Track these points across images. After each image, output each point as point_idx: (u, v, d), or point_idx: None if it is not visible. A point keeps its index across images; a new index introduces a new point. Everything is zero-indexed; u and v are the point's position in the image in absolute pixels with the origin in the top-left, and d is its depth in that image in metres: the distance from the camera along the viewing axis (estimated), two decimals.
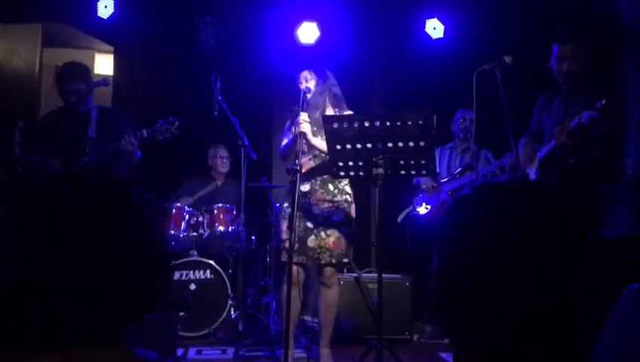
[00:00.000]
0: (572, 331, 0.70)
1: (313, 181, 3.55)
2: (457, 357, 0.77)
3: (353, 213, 3.59)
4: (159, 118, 3.78)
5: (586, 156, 3.11)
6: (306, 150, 3.52)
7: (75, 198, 0.93)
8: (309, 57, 5.12)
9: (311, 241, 3.49)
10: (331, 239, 3.49)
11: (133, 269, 0.92)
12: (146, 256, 0.95)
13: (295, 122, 3.41)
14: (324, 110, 3.58)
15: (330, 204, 3.52)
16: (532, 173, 3.31)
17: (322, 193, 3.52)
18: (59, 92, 3.90)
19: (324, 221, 3.50)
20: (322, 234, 3.49)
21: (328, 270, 3.55)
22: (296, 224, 3.31)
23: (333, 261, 3.51)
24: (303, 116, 3.39)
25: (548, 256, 0.70)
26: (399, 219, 4.56)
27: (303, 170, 3.53)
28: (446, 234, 0.77)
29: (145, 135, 3.72)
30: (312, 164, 3.56)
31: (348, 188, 3.60)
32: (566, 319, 0.70)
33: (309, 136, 3.43)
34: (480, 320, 0.72)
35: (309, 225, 3.51)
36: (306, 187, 3.54)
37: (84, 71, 3.94)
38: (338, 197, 3.53)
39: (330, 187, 3.54)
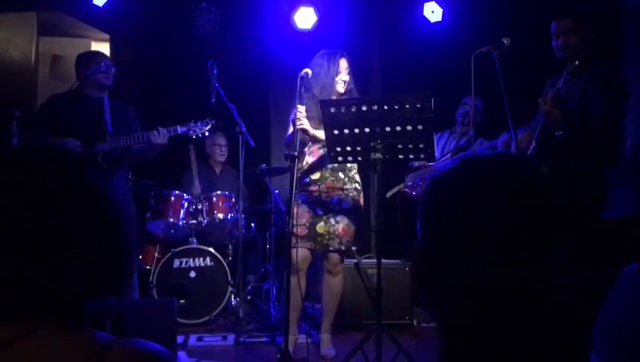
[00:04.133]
0: (547, 310, 0.69)
1: (323, 169, 3.53)
2: (440, 329, 0.77)
3: (362, 201, 3.59)
4: (192, 118, 3.89)
5: (576, 128, 3.06)
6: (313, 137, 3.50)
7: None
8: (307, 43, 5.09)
9: (320, 227, 3.48)
10: (340, 226, 3.49)
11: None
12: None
13: (293, 114, 3.38)
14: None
15: (340, 192, 3.50)
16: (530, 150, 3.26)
17: (332, 181, 3.51)
18: (85, 73, 3.88)
19: (334, 208, 3.50)
20: (331, 220, 3.49)
21: (335, 257, 3.55)
22: (297, 211, 3.31)
23: (342, 248, 3.51)
24: (300, 110, 3.35)
25: (524, 230, 0.70)
26: (389, 195, 4.54)
27: (313, 158, 3.52)
28: (427, 208, 0.77)
29: (179, 131, 3.78)
30: (321, 152, 3.53)
31: (357, 177, 3.59)
32: (540, 297, 0.69)
33: (310, 131, 3.40)
34: (456, 295, 0.72)
35: (319, 211, 3.50)
36: (316, 175, 3.53)
37: (102, 56, 4.01)
38: (348, 185, 3.52)
39: (341, 175, 3.52)
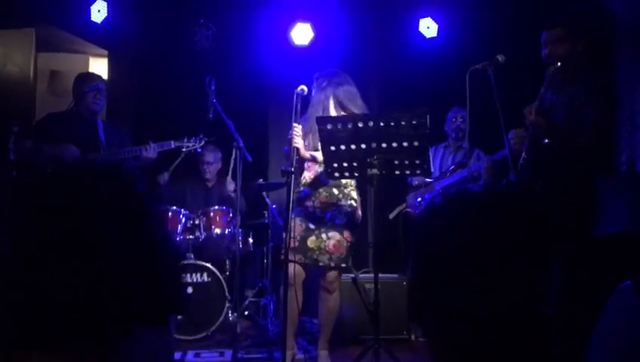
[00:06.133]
0: (540, 329, 0.72)
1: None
2: (434, 354, 0.78)
3: (357, 218, 3.58)
4: (189, 134, 4.01)
5: (564, 140, 3.07)
6: (310, 159, 3.52)
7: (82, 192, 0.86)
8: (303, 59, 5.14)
9: (311, 242, 3.48)
10: (331, 242, 3.47)
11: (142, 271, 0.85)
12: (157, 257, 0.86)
13: (289, 133, 3.40)
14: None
15: (334, 208, 3.50)
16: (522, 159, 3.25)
17: (326, 196, 3.51)
18: (79, 92, 3.93)
19: (327, 223, 3.49)
20: (323, 235, 3.48)
21: (331, 274, 3.52)
22: (292, 225, 3.32)
23: (332, 264, 3.48)
24: (296, 129, 3.37)
25: (514, 265, 0.72)
26: (391, 216, 4.56)
27: (310, 173, 3.53)
28: (420, 241, 0.79)
29: (172, 145, 3.84)
30: (317, 168, 3.54)
31: (354, 194, 3.57)
32: (537, 323, 0.71)
33: (302, 152, 3.42)
34: (450, 319, 0.74)
35: (311, 225, 3.50)
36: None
37: (93, 79, 4.09)
38: (342, 202, 3.51)
39: (335, 191, 3.52)
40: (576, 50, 3.17)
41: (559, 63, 3.05)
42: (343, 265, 3.55)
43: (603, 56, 4.07)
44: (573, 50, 3.16)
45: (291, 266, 3.38)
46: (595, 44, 3.47)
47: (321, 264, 3.47)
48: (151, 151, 3.80)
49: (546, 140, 3.07)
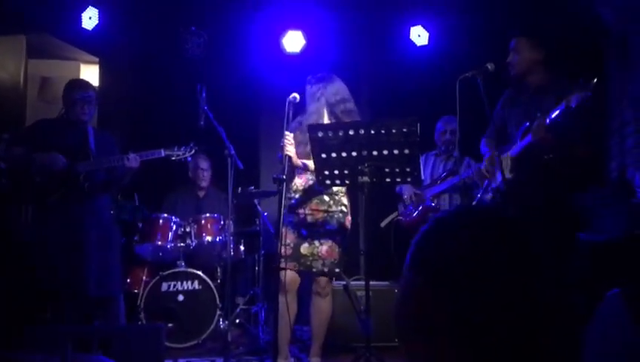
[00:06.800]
0: (540, 335, 0.74)
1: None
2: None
3: (348, 223, 3.59)
4: (181, 141, 3.99)
5: (564, 154, 3.08)
6: (302, 167, 3.52)
7: None
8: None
9: (304, 249, 3.48)
10: (324, 248, 3.48)
11: None
12: None
13: (281, 141, 3.40)
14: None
15: (325, 214, 3.51)
16: (500, 174, 3.24)
17: (317, 203, 3.52)
18: (68, 100, 3.92)
19: (318, 229, 3.50)
20: (316, 242, 3.49)
21: (323, 279, 3.53)
22: (283, 232, 3.32)
23: (326, 269, 3.49)
24: (288, 137, 3.38)
25: (509, 269, 0.75)
26: (383, 225, 4.57)
27: (301, 180, 3.54)
28: (421, 250, 0.81)
29: (162, 154, 3.84)
30: (309, 176, 3.54)
31: (344, 200, 3.58)
32: (534, 323, 0.73)
33: (294, 159, 3.42)
34: (449, 330, 0.75)
35: (304, 233, 3.50)
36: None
37: (81, 88, 4.04)
38: (333, 208, 3.52)
39: (326, 198, 3.53)
40: (534, 59, 3.27)
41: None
42: (337, 270, 3.56)
43: (580, 64, 4.11)
44: (533, 58, 3.27)
45: (285, 273, 3.38)
46: (558, 53, 3.54)
47: (314, 270, 3.48)
48: (132, 161, 3.79)
49: (549, 156, 3.10)
